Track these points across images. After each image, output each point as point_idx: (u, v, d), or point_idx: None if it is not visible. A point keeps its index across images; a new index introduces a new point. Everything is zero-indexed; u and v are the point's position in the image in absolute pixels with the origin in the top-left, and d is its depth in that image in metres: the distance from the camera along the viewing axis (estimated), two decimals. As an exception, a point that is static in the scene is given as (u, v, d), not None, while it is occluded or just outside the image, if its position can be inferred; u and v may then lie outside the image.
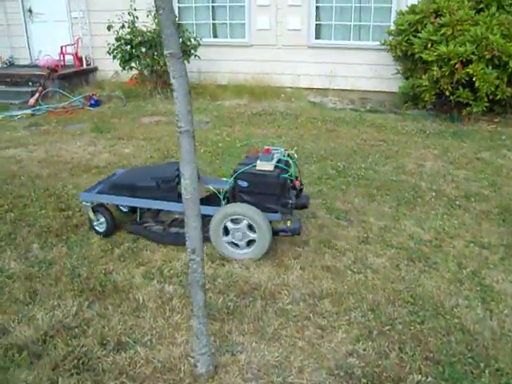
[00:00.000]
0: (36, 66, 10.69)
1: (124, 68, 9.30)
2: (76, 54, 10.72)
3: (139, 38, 8.95)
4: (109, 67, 10.41)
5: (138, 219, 4.38)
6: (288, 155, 4.02)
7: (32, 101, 9.24)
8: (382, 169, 5.72)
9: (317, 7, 9.51)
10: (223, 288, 3.43)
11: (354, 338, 2.96)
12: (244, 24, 9.90)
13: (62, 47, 10.50)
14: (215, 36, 10.21)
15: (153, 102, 9.10)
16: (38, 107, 9.02)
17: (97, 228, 4.31)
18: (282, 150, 4.05)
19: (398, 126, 7.61)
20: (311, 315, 3.15)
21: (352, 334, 3.00)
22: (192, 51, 9.22)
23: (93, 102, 9.09)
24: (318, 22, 9.60)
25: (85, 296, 3.39)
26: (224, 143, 6.71)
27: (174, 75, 1.93)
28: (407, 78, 8.47)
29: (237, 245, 3.85)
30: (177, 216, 4.30)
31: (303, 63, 9.65)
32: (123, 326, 3.07)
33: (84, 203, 4.34)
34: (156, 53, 8.94)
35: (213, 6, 10.01)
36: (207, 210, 3.86)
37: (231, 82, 9.81)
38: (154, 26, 8.99)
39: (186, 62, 9.26)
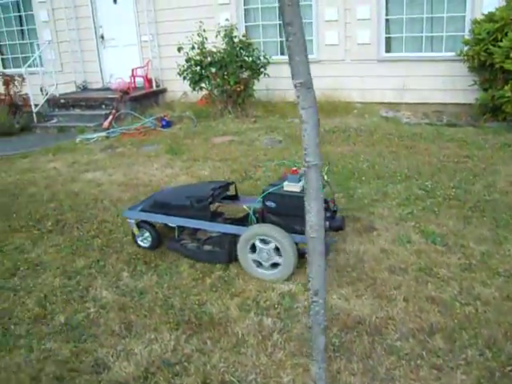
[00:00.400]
0: (108, 89, 11.00)
1: (194, 89, 9.35)
2: (146, 76, 10.92)
3: (209, 59, 9.01)
4: (178, 88, 10.53)
5: (176, 236, 4.38)
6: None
7: (106, 123, 9.45)
8: (472, 188, 5.39)
9: (386, 20, 9.29)
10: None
11: (474, 380, 2.71)
12: (312, 40, 9.76)
13: (132, 70, 10.74)
14: (282, 53, 10.11)
15: (223, 121, 9.07)
16: (112, 129, 9.21)
17: (141, 243, 4.45)
18: None
19: (480, 140, 7.21)
20: (424, 353, 2.92)
21: (472, 375, 2.75)
22: (262, 69, 9.18)
23: (164, 123, 9.18)
24: (387, 35, 9.37)
25: (181, 329, 3.30)
26: (301, 163, 6.55)
27: (303, 105, 1.80)
28: (486, 90, 8.07)
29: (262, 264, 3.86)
30: (212, 234, 4.29)
31: (373, 77, 9.41)
32: (225, 363, 2.94)
33: (128, 221, 4.50)
34: (226, 73, 8.94)
35: (279, 24, 9.96)
36: (232, 229, 4.05)
37: (300, 99, 9.66)
38: (223, 46, 9.01)
39: (255, 80, 9.24)
